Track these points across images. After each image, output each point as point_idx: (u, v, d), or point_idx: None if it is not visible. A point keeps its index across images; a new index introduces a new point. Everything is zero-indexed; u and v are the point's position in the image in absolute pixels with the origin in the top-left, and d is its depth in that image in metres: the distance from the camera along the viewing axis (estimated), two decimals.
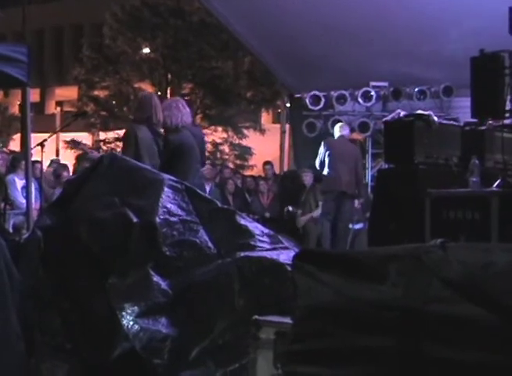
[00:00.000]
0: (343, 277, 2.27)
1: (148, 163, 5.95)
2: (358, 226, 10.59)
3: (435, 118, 7.37)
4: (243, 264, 4.10)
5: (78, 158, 13.13)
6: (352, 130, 11.97)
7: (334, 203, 10.08)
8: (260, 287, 4.01)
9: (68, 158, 17.02)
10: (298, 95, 13.32)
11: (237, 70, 23.40)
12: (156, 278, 4.10)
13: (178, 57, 22.63)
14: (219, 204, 4.72)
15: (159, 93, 22.62)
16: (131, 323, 3.93)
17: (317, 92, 12.71)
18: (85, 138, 24.15)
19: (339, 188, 10.02)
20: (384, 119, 8.19)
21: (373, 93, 12.47)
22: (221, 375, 3.82)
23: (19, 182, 10.16)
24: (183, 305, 4.06)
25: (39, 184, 9.24)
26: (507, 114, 6.94)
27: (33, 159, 8.12)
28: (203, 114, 23.40)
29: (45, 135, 8.20)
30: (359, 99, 12.57)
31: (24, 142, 7.96)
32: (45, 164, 10.86)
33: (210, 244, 4.29)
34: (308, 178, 11.79)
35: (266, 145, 22.44)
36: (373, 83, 12.45)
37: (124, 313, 3.95)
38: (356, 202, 10.41)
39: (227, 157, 23.33)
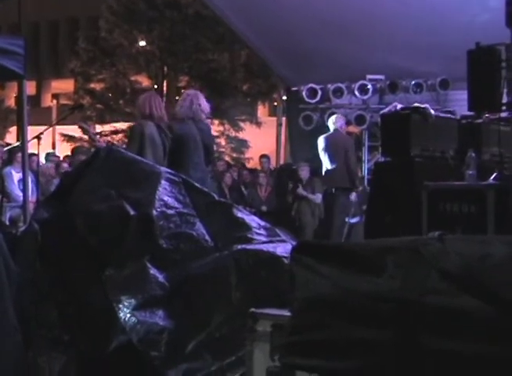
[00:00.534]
0: (341, 269, 2.27)
1: (151, 159, 5.93)
2: (354, 220, 10.56)
3: (432, 111, 7.37)
4: (239, 257, 4.10)
5: (74, 151, 13.13)
6: (349, 123, 11.96)
7: (332, 198, 10.12)
8: (257, 279, 4.02)
9: (64, 151, 16.99)
10: (295, 88, 13.29)
11: (233, 62, 23.36)
12: (153, 271, 4.10)
13: (174, 50, 22.57)
14: (216, 197, 4.72)
15: (155, 86, 22.62)
16: (128, 315, 3.93)
17: (314, 85, 12.67)
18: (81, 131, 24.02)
19: (334, 185, 10.05)
20: (381, 112, 8.20)
21: (369, 86, 12.44)
22: (218, 368, 3.82)
23: (16, 175, 10.14)
24: (180, 298, 4.05)
25: (36, 177, 9.22)
26: (504, 107, 6.95)
27: (29, 152, 8.10)
28: None
29: (41, 128, 8.12)
30: (356, 92, 12.54)
31: (21, 135, 7.92)
32: (42, 157, 10.84)
33: (207, 237, 4.30)
34: (304, 172, 11.79)
35: (262, 138, 22.39)
36: (369, 76, 12.43)
37: (121, 306, 3.95)
38: (353, 195, 10.38)
39: (223, 150, 23.29)
